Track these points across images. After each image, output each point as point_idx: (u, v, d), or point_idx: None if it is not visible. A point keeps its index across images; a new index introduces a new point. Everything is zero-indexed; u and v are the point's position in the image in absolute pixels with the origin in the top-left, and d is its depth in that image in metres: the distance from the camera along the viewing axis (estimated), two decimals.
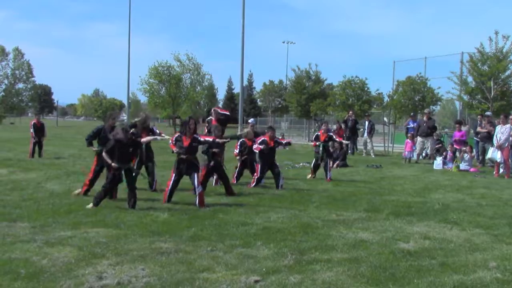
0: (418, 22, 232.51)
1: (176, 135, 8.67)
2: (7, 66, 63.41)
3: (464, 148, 15.80)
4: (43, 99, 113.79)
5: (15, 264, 4.86)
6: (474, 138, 17.29)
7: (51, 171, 12.39)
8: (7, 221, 6.73)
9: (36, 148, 16.83)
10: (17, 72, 63.93)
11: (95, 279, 4.48)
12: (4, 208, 7.64)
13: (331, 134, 13.02)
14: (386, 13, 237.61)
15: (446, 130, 21.25)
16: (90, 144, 9.31)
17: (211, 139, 8.79)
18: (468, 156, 15.53)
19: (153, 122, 77.50)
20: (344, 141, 15.28)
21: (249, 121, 14.45)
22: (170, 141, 8.65)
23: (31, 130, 17.12)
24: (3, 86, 63.42)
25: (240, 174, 11.31)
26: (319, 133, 12.62)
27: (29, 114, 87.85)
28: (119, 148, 7.87)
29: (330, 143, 12.91)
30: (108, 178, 7.96)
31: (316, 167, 12.50)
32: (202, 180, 8.98)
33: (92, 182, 9.00)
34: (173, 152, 8.63)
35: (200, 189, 8.35)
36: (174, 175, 8.45)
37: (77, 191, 9.06)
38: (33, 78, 66.76)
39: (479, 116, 17.85)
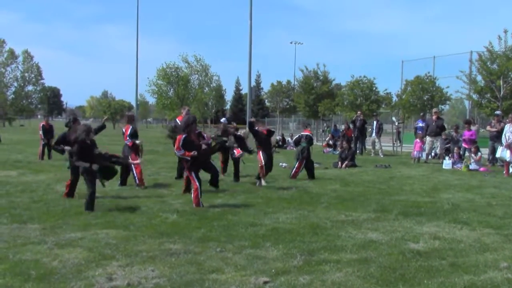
0: (426, 21, 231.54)
1: (183, 137, 8.26)
2: (17, 69, 63.96)
3: (472, 148, 15.69)
4: (52, 101, 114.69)
5: (26, 265, 4.90)
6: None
7: (61, 173, 12.44)
8: (17, 222, 6.80)
9: (46, 150, 16.99)
10: (26, 74, 64.43)
11: (105, 280, 4.50)
12: (15, 209, 7.71)
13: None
14: (394, 12, 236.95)
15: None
16: (61, 151, 9.69)
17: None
18: (476, 155, 15.41)
19: (162, 123, 77.67)
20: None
21: (221, 120, 14.39)
22: (177, 151, 8.31)
23: (40, 132, 17.29)
24: (13, 89, 64.00)
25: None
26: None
27: (39, 116, 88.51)
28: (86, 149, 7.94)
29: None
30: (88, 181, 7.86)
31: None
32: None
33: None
34: (188, 160, 8.25)
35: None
36: (196, 178, 8.18)
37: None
38: (42, 81, 67.41)
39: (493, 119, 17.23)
